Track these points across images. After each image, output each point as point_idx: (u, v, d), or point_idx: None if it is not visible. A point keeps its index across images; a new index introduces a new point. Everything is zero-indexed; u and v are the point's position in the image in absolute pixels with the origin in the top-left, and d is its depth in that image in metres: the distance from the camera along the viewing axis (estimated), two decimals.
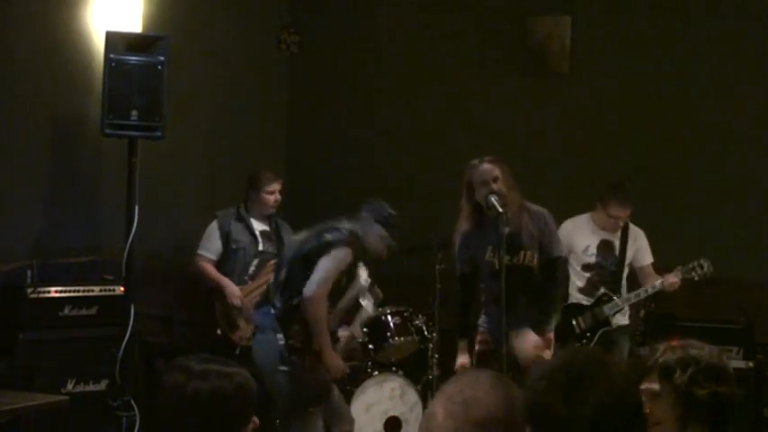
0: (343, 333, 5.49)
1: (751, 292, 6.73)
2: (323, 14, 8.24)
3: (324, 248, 5.04)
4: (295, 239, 5.39)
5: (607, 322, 6.11)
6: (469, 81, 7.74)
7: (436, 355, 6.44)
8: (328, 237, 5.06)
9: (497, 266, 5.00)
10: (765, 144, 6.95)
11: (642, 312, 6.51)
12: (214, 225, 6.45)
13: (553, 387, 1.94)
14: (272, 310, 5.16)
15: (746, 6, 6.98)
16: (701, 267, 6.05)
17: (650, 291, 6.12)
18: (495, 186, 5.12)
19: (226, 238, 6.40)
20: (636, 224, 6.34)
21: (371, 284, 5.86)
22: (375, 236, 5.21)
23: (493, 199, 5.07)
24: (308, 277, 5.00)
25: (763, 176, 6.93)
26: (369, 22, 8.15)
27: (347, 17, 8.19)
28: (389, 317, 6.50)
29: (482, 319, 5.44)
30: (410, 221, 6.40)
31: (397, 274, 6.69)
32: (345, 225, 5.14)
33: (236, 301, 6.23)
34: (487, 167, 5.19)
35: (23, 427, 5.23)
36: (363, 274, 5.60)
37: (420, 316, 6.57)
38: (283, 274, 5.20)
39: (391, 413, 6.32)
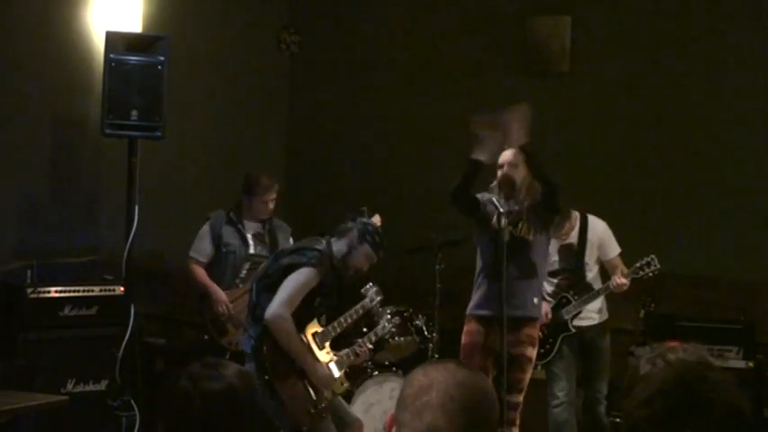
0: (360, 350, 5.49)
1: (751, 292, 6.73)
2: (323, 14, 8.24)
3: (285, 271, 4.98)
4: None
5: (566, 327, 6.07)
6: (469, 80, 7.74)
7: (436, 355, 6.44)
8: (285, 261, 5.00)
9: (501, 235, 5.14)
10: (766, 144, 6.95)
11: (642, 313, 6.49)
12: (206, 227, 6.39)
13: (652, 416, 1.85)
14: (249, 338, 5.12)
15: (747, 7, 6.98)
16: (649, 265, 5.92)
17: (601, 292, 6.06)
18: (507, 171, 5.35)
19: (217, 240, 6.35)
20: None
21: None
22: (361, 254, 5.16)
23: (494, 199, 5.20)
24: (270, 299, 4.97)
25: (763, 177, 6.92)
26: (369, 23, 8.15)
27: (347, 17, 8.20)
28: (389, 317, 6.50)
29: (473, 304, 5.49)
30: (410, 221, 6.41)
31: (397, 274, 6.69)
32: (318, 246, 5.06)
33: (221, 309, 6.21)
34: (507, 153, 5.43)
35: (23, 427, 5.24)
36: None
37: (420, 316, 6.56)
38: (253, 296, 5.17)
39: (391, 413, 6.31)
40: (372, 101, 8.10)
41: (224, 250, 6.33)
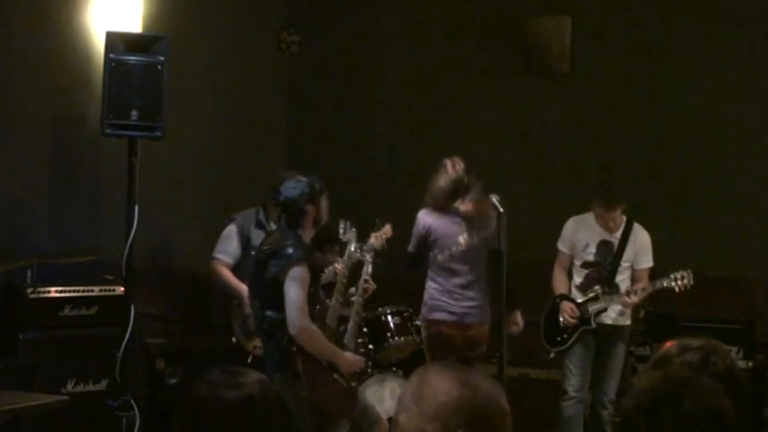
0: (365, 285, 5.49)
1: (751, 292, 6.73)
2: (323, 14, 8.24)
3: (274, 281, 4.92)
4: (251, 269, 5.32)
5: (588, 321, 6.10)
6: (469, 81, 7.74)
7: None
8: (272, 271, 4.92)
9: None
10: (766, 144, 6.95)
11: (642, 312, 6.50)
12: (233, 228, 6.28)
13: (638, 409, 1.98)
14: (269, 356, 5.05)
15: (747, 8, 6.98)
16: (683, 278, 5.88)
17: (620, 297, 6.09)
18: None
19: (246, 242, 6.22)
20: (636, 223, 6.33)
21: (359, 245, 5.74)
22: (323, 211, 5.17)
23: (494, 199, 5.30)
24: (279, 306, 4.90)
25: (763, 176, 6.92)
26: (369, 23, 8.15)
27: (347, 17, 8.19)
28: (389, 317, 6.50)
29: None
30: (410, 221, 6.41)
31: (398, 275, 6.68)
32: (289, 240, 4.98)
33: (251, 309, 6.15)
34: None
35: (23, 427, 5.24)
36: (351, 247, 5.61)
37: (420, 316, 6.55)
38: (257, 314, 5.10)
39: (391, 413, 6.31)
40: (372, 101, 8.10)
41: (252, 253, 6.21)
